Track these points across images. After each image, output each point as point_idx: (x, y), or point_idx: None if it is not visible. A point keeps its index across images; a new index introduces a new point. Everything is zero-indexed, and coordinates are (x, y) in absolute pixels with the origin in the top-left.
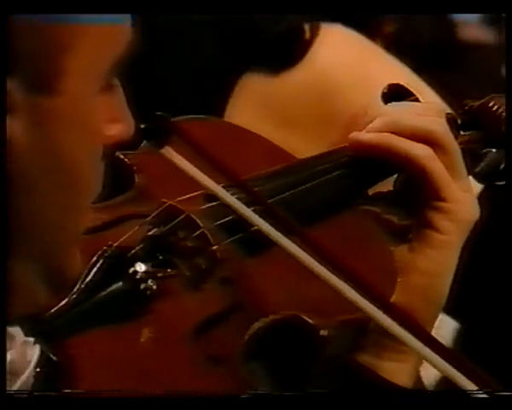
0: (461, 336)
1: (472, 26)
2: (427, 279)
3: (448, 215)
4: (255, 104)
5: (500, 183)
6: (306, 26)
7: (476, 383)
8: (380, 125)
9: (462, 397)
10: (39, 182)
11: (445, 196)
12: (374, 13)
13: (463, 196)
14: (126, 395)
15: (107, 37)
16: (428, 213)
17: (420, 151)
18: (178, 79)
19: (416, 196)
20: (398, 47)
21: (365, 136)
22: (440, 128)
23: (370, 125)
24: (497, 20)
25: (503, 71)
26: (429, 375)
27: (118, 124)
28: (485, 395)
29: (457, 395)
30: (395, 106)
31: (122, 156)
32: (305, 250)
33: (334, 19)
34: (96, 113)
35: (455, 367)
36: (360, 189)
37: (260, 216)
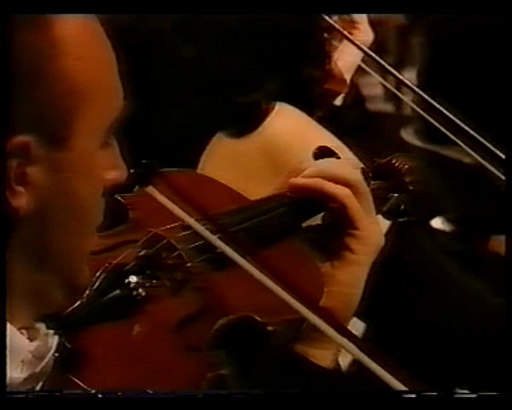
0: (367, 335)
1: (377, 99)
2: (345, 289)
3: (360, 240)
4: (222, 159)
5: (401, 219)
6: (264, 104)
7: (380, 365)
8: (311, 173)
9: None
10: (56, 215)
11: (359, 226)
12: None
13: (372, 227)
14: (122, 396)
15: (106, 106)
16: (346, 238)
17: (340, 191)
18: (164, 138)
19: (337, 227)
20: (326, 121)
21: (300, 180)
22: (355, 176)
23: (304, 173)
24: (398, 98)
25: (402, 134)
26: (345, 359)
27: (114, 171)
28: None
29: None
30: (323, 161)
31: (120, 198)
32: (256, 267)
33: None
34: (97, 163)
35: (364, 353)
36: (297, 222)
37: (223, 241)
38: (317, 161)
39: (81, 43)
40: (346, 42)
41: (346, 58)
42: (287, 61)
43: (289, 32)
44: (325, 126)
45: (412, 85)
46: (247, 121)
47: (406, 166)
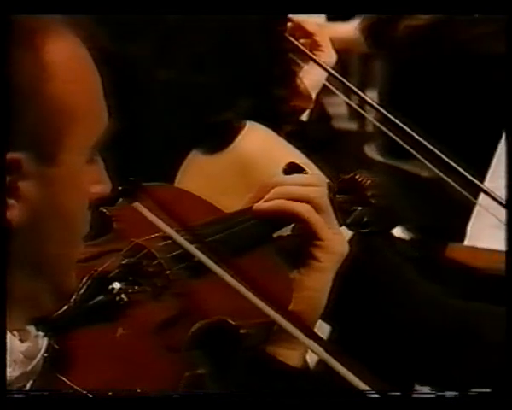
0: (332, 336)
1: (342, 118)
2: (311, 294)
3: (324, 249)
4: (197, 174)
5: (364, 230)
6: (235, 122)
7: (343, 365)
8: (274, 195)
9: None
10: (46, 226)
11: (322, 237)
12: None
13: (335, 237)
14: (112, 395)
15: (92, 125)
16: (311, 248)
17: (302, 208)
18: (143, 155)
19: (304, 237)
20: (293, 136)
21: (263, 205)
22: (315, 193)
23: (267, 196)
24: (361, 116)
25: (365, 150)
26: (313, 358)
27: (99, 185)
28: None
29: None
30: (292, 177)
31: (105, 210)
32: (230, 274)
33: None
34: (84, 177)
35: (329, 354)
36: (268, 233)
37: (200, 251)
38: (287, 177)
39: (70, 67)
40: (311, 62)
41: (311, 77)
42: (256, 81)
43: (258, 54)
44: (293, 141)
45: (373, 103)
46: (219, 139)
47: (369, 182)
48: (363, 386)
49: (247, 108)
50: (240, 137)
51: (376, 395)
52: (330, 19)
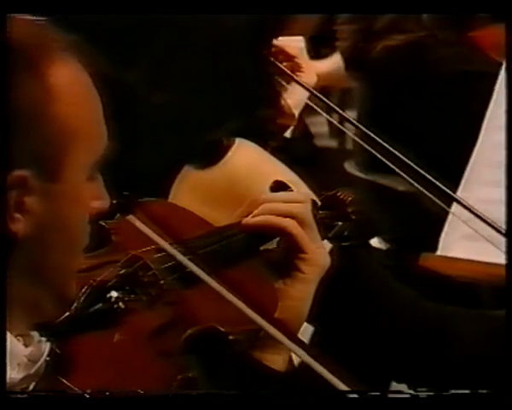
0: (314, 337)
1: (323, 136)
2: (295, 303)
3: (308, 262)
4: (190, 189)
5: (345, 244)
6: (225, 140)
7: (325, 367)
8: (262, 211)
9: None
10: (49, 238)
11: (306, 250)
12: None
13: (318, 250)
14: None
15: (93, 145)
16: (295, 261)
17: (287, 223)
18: (139, 172)
19: (289, 250)
20: (279, 152)
21: (251, 220)
22: (301, 209)
23: (255, 212)
24: (342, 135)
25: (346, 166)
26: (296, 361)
27: (99, 200)
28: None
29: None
30: (278, 194)
31: (103, 224)
32: (220, 284)
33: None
34: (85, 193)
35: (311, 357)
36: (255, 246)
37: (192, 262)
38: (274, 194)
39: (73, 91)
40: (293, 83)
41: (294, 96)
42: (244, 102)
43: (244, 77)
44: (279, 156)
45: (353, 120)
46: (210, 156)
47: (349, 199)
48: (343, 387)
49: (236, 127)
50: (229, 153)
51: (356, 395)
52: (313, 53)
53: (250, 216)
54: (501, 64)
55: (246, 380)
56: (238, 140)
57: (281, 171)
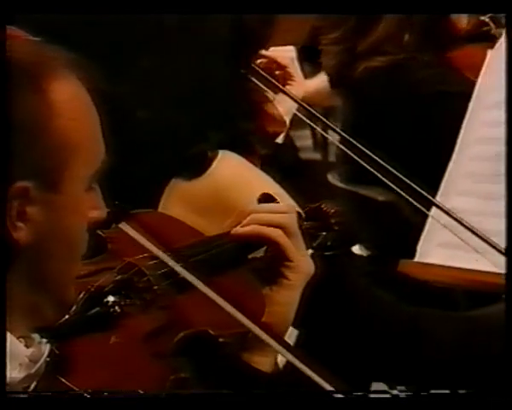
0: (300, 340)
1: (308, 149)
2: (281, 308)
3: (293, 269)
4: (178, 200)
5: (328, 253)
6: (209, 152)
7: (307, 366)
8: (250, 221)
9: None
10: (49, 246)
11: (291, 258)
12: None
13: (303, 259)
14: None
15: (92, 158)
16: (281, 268)
17: (274, 233)
18: (130, 185)
19: (275, 259)
20: (269, 159)
21: (239, 230)
22: (286, 219)
23: (244, 222)
24: (325, 147)
25: (329, 177)
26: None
27: (96, 210)
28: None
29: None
30: (265, 205)
31: (101, 232)
32: (211, 290)
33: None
34: (83, 204)
35: (296, 358)
36: (244, 255)
37: (184, 269)
38: (260, 205)
39: (73, 106)
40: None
41: (284, 104)
42: (229, 114)
43: (229, 89)
44: (266, 167)
45: (338, 130)
46: (195, 168)
47: (332, 210)
48: (327, 387)
49: (220, 139)
50: (214, 165)
51: (340, 395)
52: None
53: (239, 226)
54: (475, 83)
55: (235, 380)
56: (221, 152)
57: (264, 180)
